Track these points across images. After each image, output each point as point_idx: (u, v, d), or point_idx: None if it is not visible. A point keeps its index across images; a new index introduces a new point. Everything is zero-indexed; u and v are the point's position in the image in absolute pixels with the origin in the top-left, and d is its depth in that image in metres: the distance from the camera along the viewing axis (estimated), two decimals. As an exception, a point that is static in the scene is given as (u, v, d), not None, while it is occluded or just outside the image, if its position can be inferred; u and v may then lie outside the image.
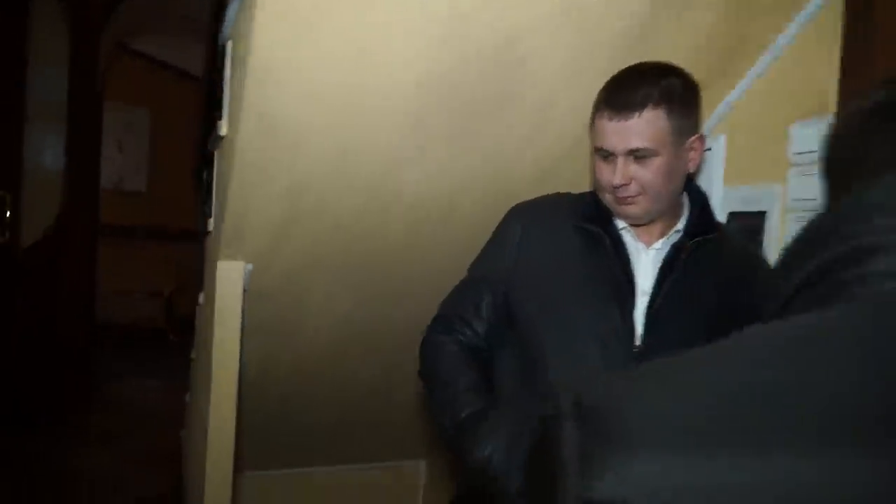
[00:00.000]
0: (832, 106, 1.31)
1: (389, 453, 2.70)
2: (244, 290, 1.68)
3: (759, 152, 1.52)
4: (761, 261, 1.22)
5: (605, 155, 1.09)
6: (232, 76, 1.55)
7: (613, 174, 1.07)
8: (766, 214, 1.45)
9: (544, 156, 1.56)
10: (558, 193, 1.28)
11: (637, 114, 1.04)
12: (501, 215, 1.27)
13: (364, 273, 1.77)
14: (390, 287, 1.84)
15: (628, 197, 1.09)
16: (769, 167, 1.47)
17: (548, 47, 1.35)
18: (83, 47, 3.55)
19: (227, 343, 1.66)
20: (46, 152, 3.63)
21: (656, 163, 1.06)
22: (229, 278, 1.63)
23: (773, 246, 1.42)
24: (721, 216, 1.51)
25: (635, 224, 1.14)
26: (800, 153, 1.39)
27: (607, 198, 1.13)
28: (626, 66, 1.12)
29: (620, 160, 1.07)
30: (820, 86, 1.34)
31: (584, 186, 1.30)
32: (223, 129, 1.62)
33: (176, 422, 3.43)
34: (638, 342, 1.09)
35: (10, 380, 3.41)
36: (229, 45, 1.60)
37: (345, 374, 2.13)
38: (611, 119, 1.06)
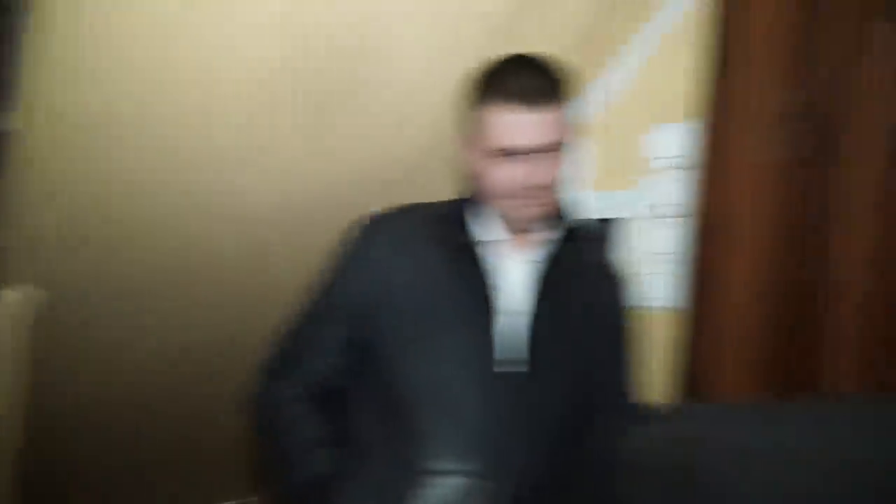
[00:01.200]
0: (691, 111, 1.31)
1: (227, 492, 2.39)
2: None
3: (616, 157, 1.49)
4: (618, 272, 1.14)
5: (511, 153, 0.95)
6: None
7: (532, 173, 0.95)
8: (622, 220, 1.45)
9: (404, 156, 1.42)
10: (414, 204, 1.11)
11: (554, 105, 0.95)
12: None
13: (180, 298, 1.48)
14: (215, 314, 1.57)
15: (539, 198, 0.98)
16: (627, 172, 1.45)
17: (405, 37, 1.22)
18: None
19: (9, 387, 1.33)
20: None
21: (562, 158, 0.98)
22: (15, 308, 1.31)
23: (632, 252, 1.41)
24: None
25: (522, 230, 1.02)
26: (658, 158, 1.39)
27: (507, 203, 0.99)
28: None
29: (540, 157, 0.95)
30: (679, 90, 1.36)
31: (442, 192, 1.15)
32: (10, 122, 1.29)
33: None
34: (522, 368, 0.96)
35: None
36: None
37: (158, 409, 1.80)
38: (530, 111, 0.94)
